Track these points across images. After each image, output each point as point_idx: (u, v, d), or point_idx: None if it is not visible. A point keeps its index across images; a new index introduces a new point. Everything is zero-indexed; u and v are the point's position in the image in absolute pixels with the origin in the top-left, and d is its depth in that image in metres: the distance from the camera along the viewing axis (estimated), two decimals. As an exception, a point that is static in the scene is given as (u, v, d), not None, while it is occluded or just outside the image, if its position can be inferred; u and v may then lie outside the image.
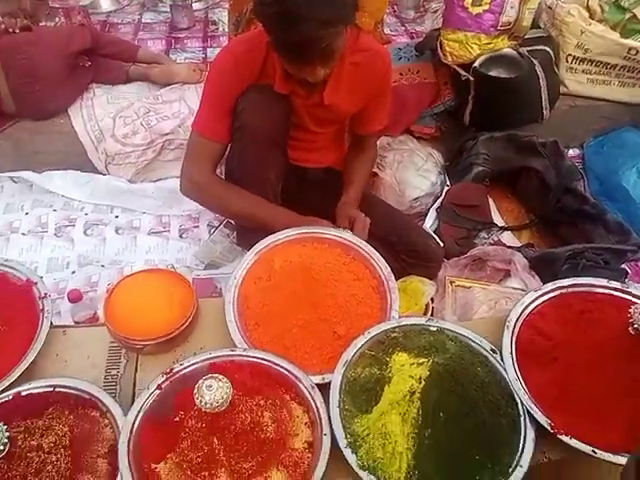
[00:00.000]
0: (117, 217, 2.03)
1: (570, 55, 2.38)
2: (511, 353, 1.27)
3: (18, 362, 1.23)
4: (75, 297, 1.50)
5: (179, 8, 3.17)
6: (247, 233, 1.69)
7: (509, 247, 1.96)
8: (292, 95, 1.52)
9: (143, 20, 3.32)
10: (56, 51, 2.00)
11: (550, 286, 1.42)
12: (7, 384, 1.18)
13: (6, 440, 0.97)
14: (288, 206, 1.62)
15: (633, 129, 2.50)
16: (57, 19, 3.22)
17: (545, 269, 1.84)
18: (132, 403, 1.23)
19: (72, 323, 1.55)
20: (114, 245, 1.92)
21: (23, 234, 1.93)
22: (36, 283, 1.36)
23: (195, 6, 3.26)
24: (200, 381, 0.98)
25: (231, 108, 1.51)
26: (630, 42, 2.27)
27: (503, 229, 2.17)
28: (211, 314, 1.38)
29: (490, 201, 2.27)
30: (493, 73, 2.13)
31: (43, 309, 1.31)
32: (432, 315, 1.73)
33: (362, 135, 1.75)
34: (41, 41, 2.00)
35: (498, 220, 2.23)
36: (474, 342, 1.29)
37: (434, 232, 2.04)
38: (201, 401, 0.96)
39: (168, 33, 3.16)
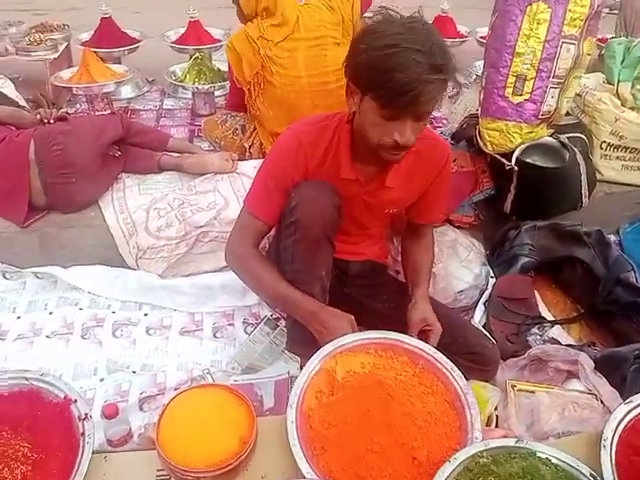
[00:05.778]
0: (146, 315, 1.89)
1: (605, 142, 2.37)
2: (614, 480, 1.14)
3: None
4: (111, 413, 1.33)
5: (201, 95, 3.17)
6: (298, 333, 1.55)
7: (569, 345, 1.83)
8: (349, 184, 1.49)
9: (164, 106, 3.33)
10: (91, 141, 1.94)
11: (640, 397, 1.32)
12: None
13: None
14: (332, 301, 1.55)
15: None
16: (78, 105, 3.23)
17: (611, 370, 1.71)
18: None
19: (104, 442, 1.38)
20: (144, 347, 1.76)
21: (47, 336, 1.77)
22: (75, 401, 1.21)
23: (217, 92, 3.25)
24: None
25: (286, 190, 1.47)
26: (664, 128, 2.27)
27: (553, 323, 2.05)
28: (269, 434, 1.23)
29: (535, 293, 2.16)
30: (537, 162, 2.08)
31: (84, 433, 1.16)
32: (497, 425, 1.58)
33: (418, 225, 1.73)
34: (76, 131, 1.93)
35: (545, 313, 2.11)
36: (571, 467, 1.15)
37: (483, 328, 1.92)
38: None
39: (190, 120, 3.15)
